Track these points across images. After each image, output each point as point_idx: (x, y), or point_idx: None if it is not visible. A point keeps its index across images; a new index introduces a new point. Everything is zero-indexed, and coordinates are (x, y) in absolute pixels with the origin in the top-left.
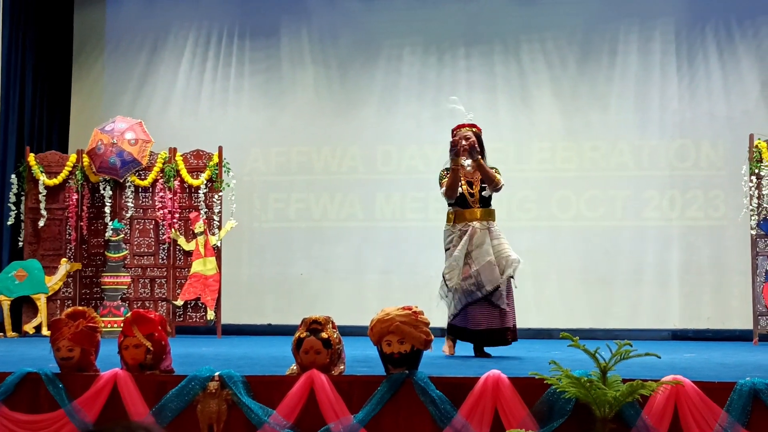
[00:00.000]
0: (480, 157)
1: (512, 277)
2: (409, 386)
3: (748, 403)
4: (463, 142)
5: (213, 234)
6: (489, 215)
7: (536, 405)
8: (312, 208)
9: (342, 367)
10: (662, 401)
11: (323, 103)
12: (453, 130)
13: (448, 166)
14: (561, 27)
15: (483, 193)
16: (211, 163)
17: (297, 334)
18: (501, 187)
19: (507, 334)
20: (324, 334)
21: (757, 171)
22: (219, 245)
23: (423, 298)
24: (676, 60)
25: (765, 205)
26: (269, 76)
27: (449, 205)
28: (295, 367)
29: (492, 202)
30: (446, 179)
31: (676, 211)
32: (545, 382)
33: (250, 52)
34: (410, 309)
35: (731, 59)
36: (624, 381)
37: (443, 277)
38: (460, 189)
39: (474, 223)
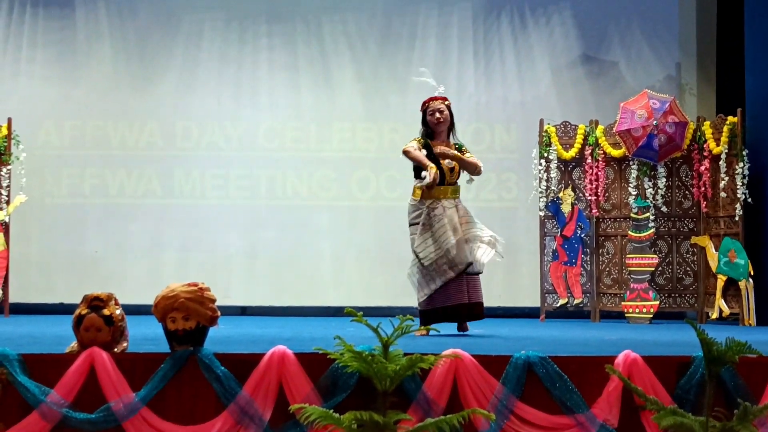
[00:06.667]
0: (455, 157)
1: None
2: (194, 363)
3: (523, 376)
4: (437, 115)
5: (1, 209)
6: (456, 192)
7: (320, 380)
8: (108, 184)
9: (125, 344)
10: (442, 374)
11: (120, 77)
12: (424, 103)
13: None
14: (362, 9)
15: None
16: None
17: (78, 312)
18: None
19: (477, 309)
20: (106, 311)
21: (546, 155)
22: (7, 221)
23: (221, 277)
24: (473, 45)
25: (553, 188)
26: (64, 48)
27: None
28: (75, 345)
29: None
30: (414, 151)
31: (471, 193)
32: (329, 357)
33: (43, 21)
34: (196, 285)
35: (524, 46)
36: (406, 355)
37: (415, 254)
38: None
39: (443, 201)
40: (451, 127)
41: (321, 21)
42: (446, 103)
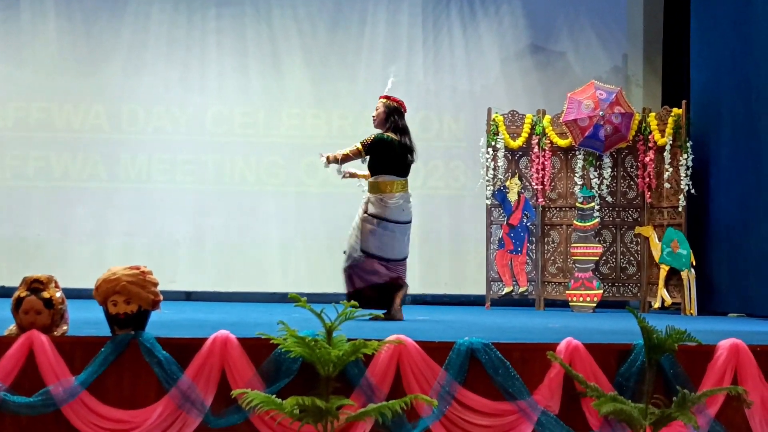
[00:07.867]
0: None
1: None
2: (135, 347)
3: (466, 362)
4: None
5: None
6: (371, 188)
7: (263, 365)
8: (52, 166)
9: (65, 327)
10: (385, 360)
11: (66, 58)
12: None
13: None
14: None
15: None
16: None
17: (17, 294)
18: (345, 158)
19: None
20: (46, 294)
21: (493, 144)
22: None
23: (167, 262)
24: (422, 33)
25: (500, 177)
26: (8, 28)
27: None
28: (14, 328)
29: (379, 172)
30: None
31: (418, 180)
32: (272, 342)
33: None
34: (138, 268)
35: (474, 36)
36: (350, 341)
37: None
38: None
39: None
40: (387, 124)
41: (271, 5)
42: (385, 102)
